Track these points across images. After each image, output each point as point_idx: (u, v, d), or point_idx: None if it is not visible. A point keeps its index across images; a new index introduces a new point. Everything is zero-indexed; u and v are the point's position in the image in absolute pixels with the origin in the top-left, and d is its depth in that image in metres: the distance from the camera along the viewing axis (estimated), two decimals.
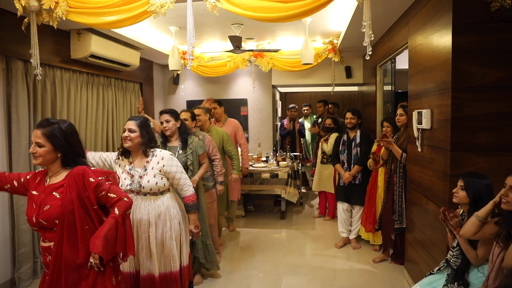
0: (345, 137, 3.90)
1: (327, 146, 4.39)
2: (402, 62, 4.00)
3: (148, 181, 2.17)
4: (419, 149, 2.64)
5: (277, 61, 5.00)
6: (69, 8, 2.53)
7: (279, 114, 7.08)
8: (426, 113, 2.45)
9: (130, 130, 2.18)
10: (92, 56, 3.62)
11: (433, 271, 2.04)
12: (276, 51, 4.47)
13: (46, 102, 3.29)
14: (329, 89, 5.55)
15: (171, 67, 4.16)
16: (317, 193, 5.22)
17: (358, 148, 3.76)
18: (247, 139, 5.64)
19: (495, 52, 2.06)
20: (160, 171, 2.20)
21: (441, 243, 2.25)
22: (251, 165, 4.85)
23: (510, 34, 2.04)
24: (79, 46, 3.56)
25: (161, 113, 2.84)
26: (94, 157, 2.26)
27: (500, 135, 2.08)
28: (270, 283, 3.11)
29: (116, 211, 1.62)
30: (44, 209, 1.58)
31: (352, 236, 3.89)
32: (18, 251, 3.01)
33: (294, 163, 5.20)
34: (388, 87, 4.31)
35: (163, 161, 2.22)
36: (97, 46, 3.61)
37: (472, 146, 2.11)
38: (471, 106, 2.09)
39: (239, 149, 4.37)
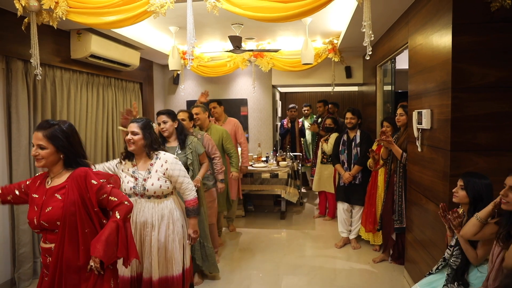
0: (345, 137, 3.90)
1: (327, 146, 4.39)
2: (402, 62, 4.00)
3: (152, 184, 2.15)
4: (419, 149, 2.64)
5: (277, 61, 5.00)
6: (69, 8, 2.53)
7: (279, 114, 7.08)
8: (426, 113, 2.45)
9: (133, 133, 2.17)
10: (92, 56, 3.62)
11: (432, 271, 2.04)
12: (276, 51, 4.47)
13: (46, 102, 3.29)
14: (329, 89, 5.55)
15: (171, 67, 4.16)
16: (317, 193, 5.21)
17: (358, 148, 3.76)
18: (247, 139, 5.64)
19: (495, 52, 2.06)
20: (164, 174, 2.18)
21: (441, 243, 2.25)
22: (251, 165, 4.85)
23: (510, 34, 2.04)
24: (79, 46, 3.56)
25: (158, 114, 2.83)
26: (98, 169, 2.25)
27: (500, 135, 2.08)
28: (270, 283, 3.11)
29: (117, 215, 1.62)
30: (46, 210, 1.58)
31: (352, 236, 3.89)
32: (18, 251, 3.01)
33: (294, 163, 5.20)
34: (388, 87, 4.31)
35: (167, 164, 2.20)
36: (97, 46, 3.61)
37: (472, 146, 2.11)
38: (471, 106, 2.10)
39: (239, 148, 4.37)
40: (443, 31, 2.21)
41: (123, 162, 2.27)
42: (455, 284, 1.80)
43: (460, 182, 1.87)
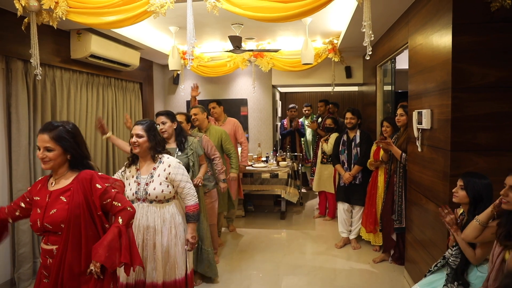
0: (345, 137, 3.90)
1: (327, 146, 4.39)
2: (402, 62, 4.00)
3: (154, 189, 2.14)
4: (419, 149, 2.64)
5: (277, 61, 5.00)
6: (69, 8, 2.53)
7: (279, 114, 7.08)
8: (426, 113, 2.45)
9: (138, 135, 2.16)
10: (92, 56, 3.62)
11: (431, 269, 2.04)
12: (276, 51, 4.47)
13: (46, 102, 3.29)
14: (329, 89, 5.55)
15: (171, 67, 4.16)
16: (317, 193, 5.21)
17: (358, 148, 3.76)
18: (247, 139, 5.63)
19: (495, 52, 2.06)
20: (166, 178, 2.17)
21: (441, 243, 2.25)
22: (251, 165, 4.85)
23: (510, 34, 2.04)
24: (79, 46, 3.56)
25: (157, 115, 2.81)
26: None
27: (500, 135, 2.08)
28: (270, 283, 3.11)
29: (120, 220, 1.61)
30: (50, 213, 1.57)
31: (352, 236, 3.89)
32: (18, 251, 3.01)
33: (294, 163, 5.20)
34: (388, 87, 4.31)
35: (170, 168, 2.18)
36: (97, 46, 3.61)
37: (472, 146, 2.11)
38: (471, 106, 2.09)
39: (239, 148, 4.37)
40: (443, 31, 2.21)
41: (128, 169, 2.26)
42: (455, 284, 1.80)
43: (460, 182, 1.87)
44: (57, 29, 2.84)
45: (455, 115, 2.11)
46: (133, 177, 2.21)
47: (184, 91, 5.68)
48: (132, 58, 4.26)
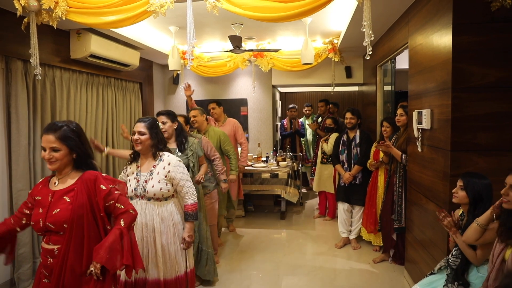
0: (344, 137, 3.90)
1: (327, 146, 4.39)
2: (402, 62, 4.00)
3: (153, 186, 2.14)
4: (419, 149, 2.63)
5: (277, 61, 4.99)
6: (68, 8, 2.53)
7: (279, 114, 7.08)
8: (426, 113, 2.45)
9: (140, 133, 2.17)
10: (92, 56, 3.62)
11: (433, 271, 2.04)
12: (276, 51, 4.47)
13: (46, 102, 3.29)
14: (329, 89, 5.55)
15: (171, 67, 4.16)
16: (317, 193, 5.21)
17: (358, 148, 3.76)
18: (247, 139, 5.63)
19: (495, 52, 2.06)
20: (165, 176, 2.17)
21: (441, 243, 2.25)
22: (251, 165, 4.85)
23: (510, 34, 2.04)
24: (78, 46, 3.56)
25: (158, 114, 2.81)
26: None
27: (500, 135, 2.08)
28: (270, 283, 3.11)
29: (122, 222, 1.62)
30: (53, 212, 1.57)
31: (352, 236, 3.88)
32: (18, 251, 3.00)
33: (294, 163, 5.20)
34: (388, 87, 4.31)
35: (170, 166, 2.19)
36: (97, 46, 3.61)
37: (472, 146, 2.11)
38: (471, 106, 2.09)
39: (239, 148, 4.37)
40: (443, 31, 2.21)
41: (130, 166, 2.27)
42: (455, 284, 1.80)
43: (459, 183, 1.87)
44: (56, 29, 2.84)
45: (455, 115, 2.11)
46: (133, 173, 2.23)
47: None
48: (132, 58, 4.26)
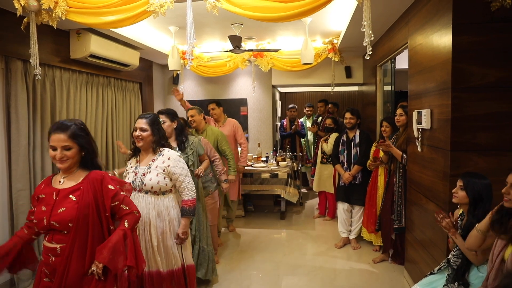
0: (344, 137, 3.90)
1: (327, 146, 4.39)
2: (402, 62, 4.00)
3: (150, 179, 2.16)
4: (419, 149, 2.63)
5: (277, 61, 4.99)
6: (68, 8, 2.53)
7: (279, 114, 7.08)
8: (426, 113, 2.45)
9: (142, 129, 2.18)
10: (92, 56, 3.62)
11: (433, 271, 2.04)
12: (276, 51, 4.47)
13: (46, 102, 3.29)
14: (329, 89, 5.55)
15: (170, 67, 4.16)
16: (317, 193, 5.21)
17: (358, 148, 3.76)
18: (247, 139, 5.63)
19: (495, 52, 2.06)
20: (164, 170, 2.19)
21: (441, 243, 2.25)
22: (250, 165, 4.85)
23: (510, 34, 2.04)
24: (78, 46, 3.56)
25: (157, 113, 2.81)
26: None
27: (500, 135, 2.08)
28: (270, 283, 3.10)
29: (126, 224, 1.63)
30: (58, 211, 1.57)
31: (352, 236, 3.88)
32: None
33: (294, 163, 5.20)
34: (388, 87, 4.31)
35: (169, 161, 2.21)
36: (97, 46, 3.60)
37: (472, 146, 2.11)
38: (471, 106, 2.09)
39: (239, 149, 4.37)
40: (443, 31, 2.21)
41: (129, 161, 2.29)
42: (456, 284, 1.80)
43: (459, 183, 1.87)
44: (56, 29, 2.84)
45: (455, 115, 2.11)
46: (132, 167, 2.25)
47: (184, 91, 5.68)
48: (131, 58, 4.26)
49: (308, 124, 6.01)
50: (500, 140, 2.08)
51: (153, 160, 2.21)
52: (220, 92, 5.82)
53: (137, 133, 2.18)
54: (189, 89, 5.87)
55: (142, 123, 2.19)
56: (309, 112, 6.10)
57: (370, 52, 2.20)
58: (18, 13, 2.44)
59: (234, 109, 5.71)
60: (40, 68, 2.57)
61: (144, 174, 2.18)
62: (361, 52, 5.03)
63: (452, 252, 1.92)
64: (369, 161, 3.64)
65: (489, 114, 2.08)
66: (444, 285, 1.86)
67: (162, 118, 2.76)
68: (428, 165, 2.51)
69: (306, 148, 6.12)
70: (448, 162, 2.15)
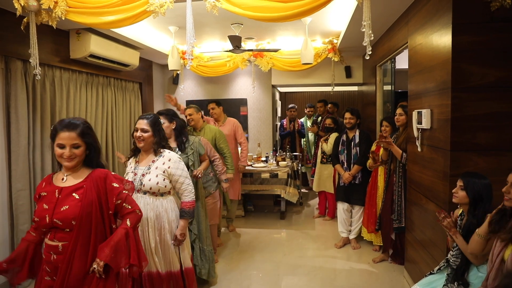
0: (344, 137, 3.90)
1: (327, 146, 4.39)
2: (402, 61, 3.99)
3: (150, 180, 2.16)
4: (419, 149, 2.63)
5: (276, 61, 4.99)
6: (68, 8, 2.53)
7: (279, 114, 7.08)
8: (426, 113, 2.45)
9: (143, 130, 2.18)
10: (92, 56, 3.62)
11: (433, 271, 2.04)
12: (275, 51, 4.47)
13: (45, 102, 3.28)
14: (328, 89, 5.55)
15: (170, 67, 4.16)
16: (317, 193, 5.22)
17: (358, 148, 3.76)
18: (247, 139, 5.63)
19: (495, 52, 2.06)
20: (164, 171, 2.19)
21: (441, 243, 2.25)
22: (250, 165, 4.84)
23: (510, 34, 2.04)
24: (78, 46, 3.55)
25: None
26: None
27: (500, 135, 2.08)
28: (270, 283, 3.10)
29: (128, 222, 1.63)
30: (61, 209, 1.56)
31: (352, 236, 3.88)
32: None
33: (294, 163, 5.20)
34: (388, 87, 4.31)
35: (170, 162, 2.21)
36: (97, 46, 3.60)
37: (472, 146, 2.11)
38: (471, 106, 2.09)
39: (239, 148, 4.37)
40: (443, 31, 2.21)
41: (128, 161, 2.30)
42: (455, 284, 1.80)
43: (459, 183, 1.87)
44: (56, 29, 2.84)
45: (454, 115, 2.11)
46: (131, 168, 2.25)
47: (184, 91, 5.69)
48: (131, 58, 4.26)
49: (308, 124, 6.01)
50: (500, 140, 2.08)
51: (153, 161, 2.21)
52: (220, 92, 5.82)
53: (138, 133, 2.18)
54: (189, 89, 5.87)
55: (143, 124, 2.19)
56: (310, 113, 6.09)
57: (370, 52, 2.20)
58: (18, 13, 2.44)
59: (234, 109, 5.71)
60: (40, 68, 2.57)
61: (143, 175, 2.18)
62: (361, 52, 5.03)
63: (451, 252, 1.92)
64: (369, 161, 3.64)
65: (489, 114, 2.08)
66: (443, 285, 1.86)
67: (161, 119, 2.75)
68: (428, 165, 2.51)
69: (307, 148, 6.11)
70: (448, 162, 2.15)
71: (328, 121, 4.57)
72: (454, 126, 2.11)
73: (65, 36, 3.56)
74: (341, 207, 3.92)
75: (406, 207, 3.07)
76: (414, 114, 2.65)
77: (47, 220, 1.57)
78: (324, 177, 4.69)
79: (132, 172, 2.23)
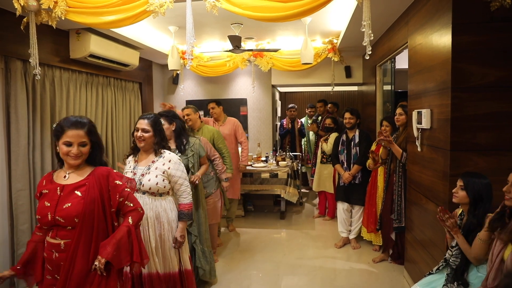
0: (344, 137, 3.90)
1: (327, 146, 4.40)
2: (402, 61, 3.99)
3: (149, 180, 2.16)
4: (419, 149, 2.63)
5: (276, 60, 4.99)
6: (68, 7, 2.53)
7: (279, 114, 7.08)
8: (425, 112, 2.45)
9: (144, 130, 2.18)
10: (91, 56, 3.61)
11: (432, 271, 2.04)
12: (275, 50, 4.47)
13: (45, 102, 3.28)
14: (328, 88, 5.55)
15: (170, 67, 4.16)
16: (317, 193, 5.22)
17: (357, 148, 3.76)
18: (247, 139, 5.63)
19: (495, 52, 2.06)
20: (164, 172, 2.18)
21: (441, 243, 2.25)
22: (250, 165, 4.85)
23: (510, 34, 2.04)
24: (78, 46, 3.55)
25: None
26: None
27: (500, 135, 2.08)
28: (270, 283, 3.10)
29: (130, 220, 1.64)
30: (64, 206, 1.56)
31: (352, 236, 3.88)
32: (17, 252, 3.00)
33: (294, 163, 5.20)
34: (387, 87, 4.31)
35: (170, 163, 2.21)
36: (96, 46, 3.60)
37: (472, 146, 2.11)
38: (471, 106, 2.09)
39: (239, 148, 4.37)
40: (442, 31, 2.21)
41: (128, 161, 2.29)
42: (455, 284, 1.80)
43: (460, 183, 1.87)
44: (56, 29, 2.83)
45: (454, 114, 2.11)
46: (130, 167, 2.24)
47: (184, 91, 5.69)
48: (131, 58, 4.25)
49: (309, 123, 6.00)
50: (500, 140, 2.08)
51: (153, 161, 2.21)
52: (220, 92, 5.82)
53: (139, 133, 2.18)
54: (189, 89, 5.87)
55: (144, 124, 2.19)
56: (311, 113, 6.09)
57: (370, 52, 2.20)
58: (17, 13, 2.44)
59: (234, 109, 5.71)
60: (39, 68, 2.57)
61: (143, 175, 2.18)
62: (361, 52, 5.02)
63: (449, 252, 1.92)
64: (368, 161, 3.64)
65: (489, 114, 2.08)
66: (443, 285, 1.86)
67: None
68: (428, 165, 2.51)
69: (308, 148, 6.11)
70: (448, 162, 2.15)
71: (328, 121, 4.58)
72: (454, 126, 2.11)
73: (65, 36, 3.56)
74: (341, 207, 3.92)
75: (406, 207, 3.07)
76: (414, 114, 2.65)
77: (49, 217, 1.56)
78: (324, 177, 4.69)
79: (131, 171, 2.22)
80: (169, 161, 2.21)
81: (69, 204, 1.56)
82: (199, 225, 2.90)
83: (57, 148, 1.63)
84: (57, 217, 1.56)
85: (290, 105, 5.98)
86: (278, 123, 6.51)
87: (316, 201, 5.53)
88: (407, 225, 3.04)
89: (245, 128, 5.72)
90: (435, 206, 2.36)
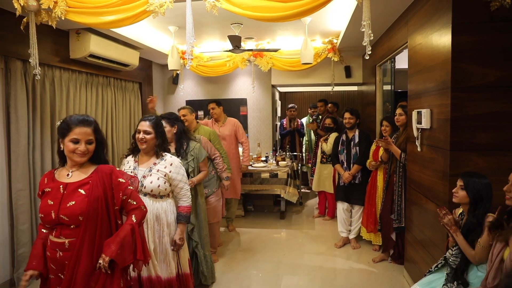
0: (344, 137, 3.90)
1: (327, 145, 4.40)
2: (402, 61, 4.00)
3: (151, 182, 2.15)
4: (419, 149, 2.64)
5: (276, 60, 4.99)
6: (68, 7, 2.53)
7: (279, 113, 7.08)
8: (425, 112, 2.45)
9: (146, 132, 2.17)
10: (91, 56, 3.62)
11: (431, 269, 2.04)
12: (275, 50, 4.47)
13: (45, 102, 3.28)
14: (328, 88, 5.55)
15: (170, 67, 4.16)
16: (317, 193, 5.22)
17: (357, 148, 3.76)
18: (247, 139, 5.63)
19: (495, 51, 2.06)
20: (165, 175, 2.18)
21: (441, 243, 2.25)
22: (250, 165, 4.85)
23: (510, 34, 2.04)
24: (78, 46, 3.55)
25: None
26: None
27: (500, 135, 2.08)
28: (270, 283, 3.11)
29: (134, 218, 1.64)
30: (67, 205, 1.55)
31: (351, 236, 3.89)
32: (17, 252, 3.00)
33: (294, 163, 5.20)
34: (387, 87, 4.31)
35: (171, 167, 2.20)
36: (96, 46, 3.60)
37: (472, 146, 2.11)
38: (471, 105, 2.09)
39: (240, 148, 4.37)
40: (442, 31, 2.21)
41: (126, 161, 2.28)
42: (455, 283, 1.80)
43: (459, 182, 1.87)
44: (56, 29, 2.84)
45: (454, 114, 2.11)
46: (130, 167, 2.23)
47: (184, 91, 5.69)
48: (131, 58, 4.26)
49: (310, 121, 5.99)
50: (499, 140, 2.08)
51: (155, 164, 2.19)
52: (220, 92, 5.82)
53: (141, 135, 2.17)
54: (189, 89, 5.87)
55: (146, 125, 2.17)
56: (313, 113, 6.08)
57: (370, 52, 2.20)
58: (17, 13, 2.44)
59: (234, 109, 5.71)
60: (39, 68, 2.57)
61: (144, 176, 2.17)
62: (361, 52, 5.02)
63: (449, 251, 1.93)
64: (369, 161, 3.64)
65: (488, 114, 2.08)
66: (443, 285, 1.86)
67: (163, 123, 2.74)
68: (427, 165, 2.51)
69: (308, 148, 6.11)
70: (447, 162, 2.15)
71: (328, 121, 4.58)
72: (453, 126, 2.11)
73: (64, 36, 3.56)
74: (341, 207, 3.92)
75: (406, 207, 3.07)
76: (414, 114, 2.65)
77: (53, 216, 1.56)
78: (323, 177, 4.69)
79: (131, 172, 2.21)
80: (171, 165, 2.20)
81: (73, 202, 1.56)
82: (200, 230, 2.90)
83: (61, 146, 1.62)
84: (61, 216, 1.55)
85: (290, 105, 5.98)
86: (278, 123, 6.50)
87: (316, 201, 5.53)
88: (407, 225, 3.04)
89: (245, 128, 5.72)
90: (435, 206, 2.36)
